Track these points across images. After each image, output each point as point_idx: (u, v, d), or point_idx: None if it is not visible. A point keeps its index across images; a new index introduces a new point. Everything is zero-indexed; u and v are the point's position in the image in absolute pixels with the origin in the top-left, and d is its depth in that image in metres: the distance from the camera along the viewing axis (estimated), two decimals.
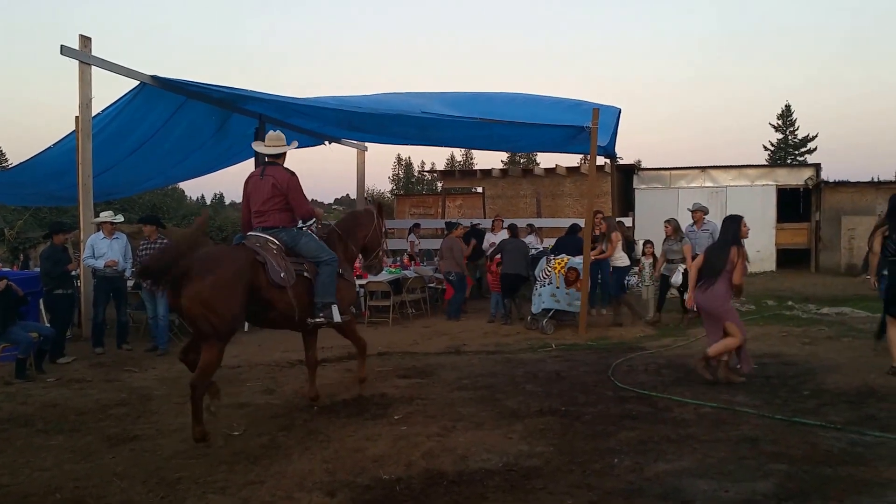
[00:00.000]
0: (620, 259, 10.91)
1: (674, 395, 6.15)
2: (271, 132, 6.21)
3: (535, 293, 10.48)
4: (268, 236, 5.77)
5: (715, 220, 21.26)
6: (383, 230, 6.92)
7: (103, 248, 9.27)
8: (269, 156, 6.09)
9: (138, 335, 10.13)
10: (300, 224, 6.13)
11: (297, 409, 6.03)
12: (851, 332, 9.27)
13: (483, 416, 5.65)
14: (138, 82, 10.24)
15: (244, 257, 5.45)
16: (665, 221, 10.80)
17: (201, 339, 5.25)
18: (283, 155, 6.13)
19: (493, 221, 14.37)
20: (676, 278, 10.40)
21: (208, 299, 5.06)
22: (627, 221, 18.32)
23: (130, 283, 9.93)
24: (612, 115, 11.22)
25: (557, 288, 10.11)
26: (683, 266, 10.11)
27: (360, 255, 6.84)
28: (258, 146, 6.51)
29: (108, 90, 11.00)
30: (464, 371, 7.49)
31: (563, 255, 10.51)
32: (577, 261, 10.17)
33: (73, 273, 9.28)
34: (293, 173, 5.98)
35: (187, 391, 5.19)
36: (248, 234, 5.91)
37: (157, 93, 10.55)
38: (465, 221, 15.25)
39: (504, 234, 12.88)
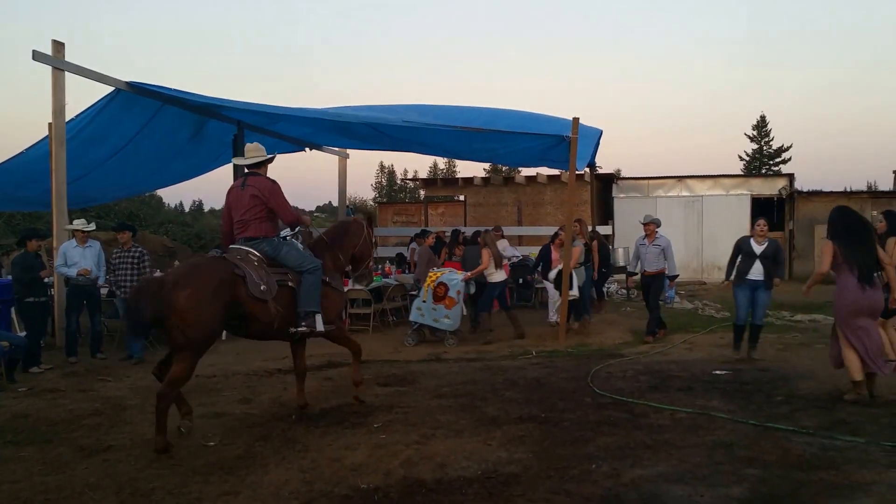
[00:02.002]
0: (494, 275, 10.33)
1: (651, 401, 6.20)
2: (249, 144, 6.17)
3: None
4: (249, 248, 5.74)
5: (692, 228, 21.37)
6: (373, 240, 6.91)
7: (76, 256, 9.13)
8: (248, 167, 6.06)
9: (112, 344, 10.00)
10: (282, 234, 6.10)
11: (275, 419, 5.98)
12: (824, 339, 9.37)
13: (462, 423, 5.64)
14: (113, 88, 10.15)
15: (223, 270, 5.41)
16: (575, 220, 10.80)
17: (175, 350, 5.21)
18: (265, 165, 6.10)
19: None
20: (552, 275, 10.27)
21: (184, 311, 5.03)
22: (607, 230, 18.45)
23: (104, 291, 9.80)
24: (593, 137, 11.31)
25: (424, 302, 9.95)
26: (559, 267, 10.23)
27: (350, 266, 6.79)
28: (238, 161, 6.47)
29: (82, 96, 10.89)
30: (444, 379, 7.48)
31: (437, 269, 10.38)
32: (450, 276, 9.97)
33: (47, 280, 9.14)
34: (274, 181, 5.96)
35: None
36: (230, 247, 5.89)
37: (132, 99, 10.47)
38: (447, 229, 15.25)
39: (504, 243, 12.87)
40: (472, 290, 10.68)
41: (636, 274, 10.17)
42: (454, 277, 9.97)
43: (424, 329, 10.14)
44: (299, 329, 5.79)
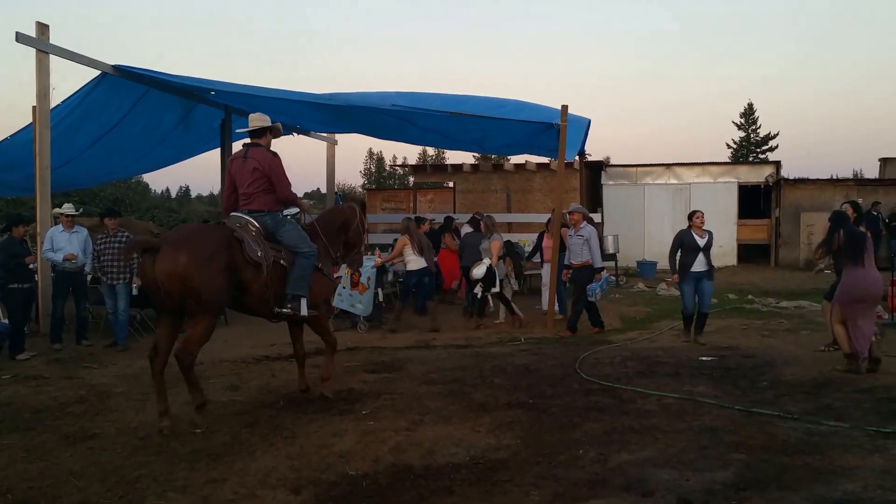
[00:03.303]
0: (411, 262, 10.20)
1: (638, 386, 6.23)
2: (253, 114, 6.05)
3: None
4: (249, 218, 5.71)
5: (680, 215, 21.37)
6: (365, 227, 6.86)
7: (62, 241, 9.03)
8: (251, 136, 5.96)
9: (98, 331, 9.92)
10: (285, 212, 6.06)
11: (262, 406, 5.96)
12: (809, 325, 9.49)
13: (451, 409, 5.65)
14: (99, 72, 10.02)
15: (221, 233, 5.44)
16: (479, 215, 10.67)
17: (188, 314, 5.26)
18: (266, 136, 5.99)
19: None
20: (479, 271, 9.96)
21: (184, 273, 5.03)
22: (596, 217, 18.49)
23: (90, 278, 9.72)
24: (581, 126, 11.28)
25: (343, 287, 10.00)
26: (488, 261, 9.95)
27: (341, 252, 6.76)
28: (240, 129, 6.36)
29: (68, 77, 10.78)
30: (432, 365, 7.48)
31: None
32: (366, 263, 9.77)
33: (31, 267, 9.05)
34: (275, 154, 5.88)
35: (148, 388, 5.12)
36: (231, 214, 5.86)
37: (118, 83, 10.34)
38: (439, 216, 15.22)
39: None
40: (391, 277, 10.94)
41: (569, 267, 9.68)
42: (367, 264, 9.92)
43: (352, 316, 10.23)
44: (283, 311, 5.74)
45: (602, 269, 9.42)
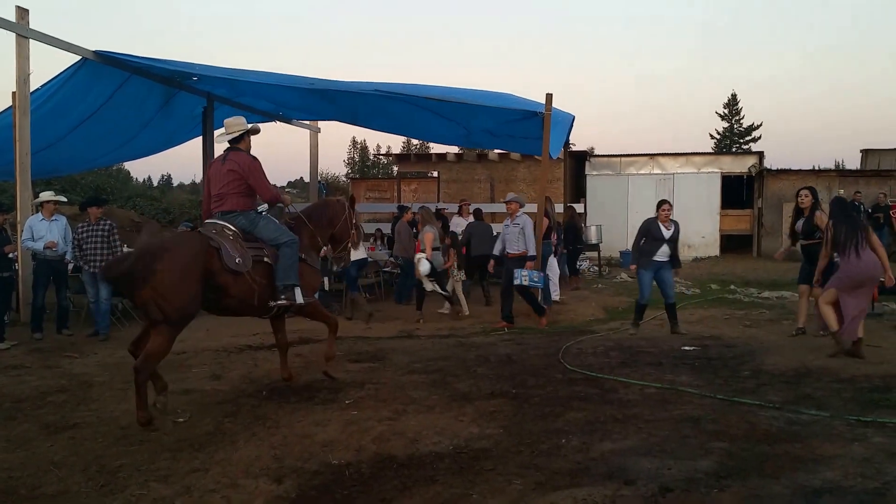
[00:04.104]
0: (354, 253, 9.81)
1: (620, 376, 6.27)
2: (228, 119, 6.04)
3: None
4: (224, 222, 5.66)
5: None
6: (353, 222, 6.82)
7: (42, 229, 8.96)
8: (229, 141, 5.93)
9: (79, 320, 9.83)
10: (259, 208, 6.02)
11: (245, 395, 5.93)
12: (790, 315, 9.57)
13: (434, 399, 5.65)
14: (80, 57, 9.87)
15: (198, 243, 5.37)
16: (422, 207, 10.71)
17: (151, 324, 5.15)
18: (245, 140, 5.97)
19: (459, 206, 14.24)
20: (423, 268, 9.92)
21: (159, 285, 4.97)
22: (579, 208, 18.54)
23: (70, 266, 9.63)
24: (566, 123, 11.28)
25: None
26: (421, 255, 10.03)
27: (329, 246, 6.72)
28: (219, 135, 6.29)
29: (46, 65, 10.62)
30: (416, 355, 7.49)
31: None
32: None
33: (11, 255, 8.94)
34: (255, 158, 5.88)
35: (131, 377, 5.07)
36: (206, 221, 5.83)
37: (99, 69, 10.19)
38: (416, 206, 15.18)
39: (461, 221, 12.94)
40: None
41: (498, 257, 9.58)
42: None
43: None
44: (279, 302, 5.71)
45: (534, 258, 9.28)
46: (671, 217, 8.50)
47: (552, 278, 11.16)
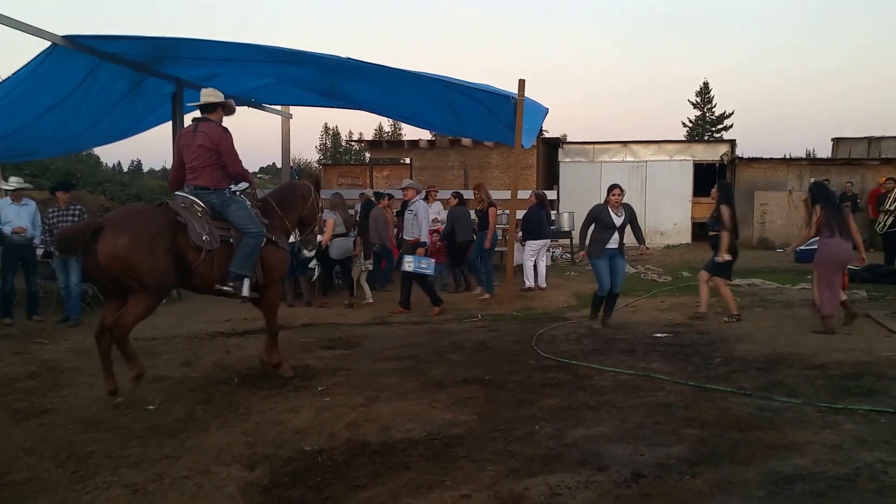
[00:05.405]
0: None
1: (593, 363, 6.31)
2: (205, 89, 5.91)
3: None
4: (194, 198, 5.56)
5: (636, 193, 21.51)
6: (319, 205, 6.75)
7: (10, 214, 8.83)
8: (202, 109, 5.79)
9: (49, 306, 9.65)
10: (233, 188, 5.92)
11: (216, 382, 5.87)
12: (762, 303, 9.74)
13: (407, 386, 5.65)
14: (50, 43, 9.57)
15: (163, 217, 5.28)
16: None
17: (129, 292, 5.11)
18: (218, 112, 5.83)
19: (426, 192, 14.15)
20: (335, 252, 10.15)
21: (125, 255, 4.93)
22: (552, 194, 18.58)
23: (40, 252, 9.44)
24: (539, 113, 11.21)
25: None
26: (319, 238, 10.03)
27: (296, 230, 6.64)
28: (192, 104, 6.16)
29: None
30: (389, 342, 7.47)
31: None
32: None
33: None
34: (226, 129, 5.75)
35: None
36: (175, 193, 5.70)
37: (68, 54, 9.90)
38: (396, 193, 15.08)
39: (438, 206, 12.85)
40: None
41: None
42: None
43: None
44: (224, 288, 5.59)
45: (425, 244, 9.33)
46: (622, 202, 8.01)
47: (540, 268, 11.39)
